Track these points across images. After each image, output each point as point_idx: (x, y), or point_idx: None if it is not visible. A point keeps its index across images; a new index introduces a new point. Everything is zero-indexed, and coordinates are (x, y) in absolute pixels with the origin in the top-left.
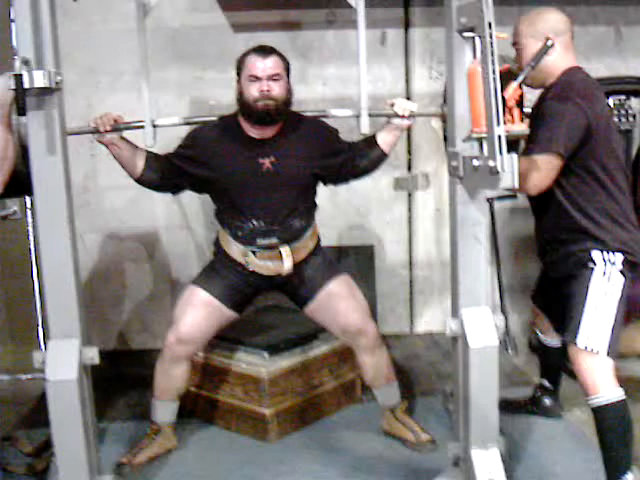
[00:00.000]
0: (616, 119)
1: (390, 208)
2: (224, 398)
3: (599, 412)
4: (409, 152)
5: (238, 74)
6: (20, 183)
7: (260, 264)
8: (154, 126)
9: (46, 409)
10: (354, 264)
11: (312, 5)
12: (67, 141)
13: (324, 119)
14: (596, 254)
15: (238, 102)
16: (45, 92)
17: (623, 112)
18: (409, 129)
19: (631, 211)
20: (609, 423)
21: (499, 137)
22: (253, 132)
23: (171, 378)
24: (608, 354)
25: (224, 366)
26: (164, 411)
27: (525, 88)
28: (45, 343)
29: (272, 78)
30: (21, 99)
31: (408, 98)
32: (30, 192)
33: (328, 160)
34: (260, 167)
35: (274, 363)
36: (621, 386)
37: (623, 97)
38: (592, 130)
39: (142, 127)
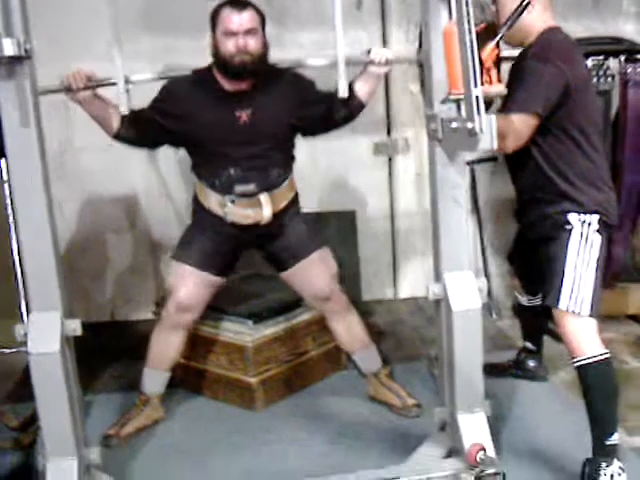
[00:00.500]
0: (595, 80)
1: (371, 173)
2: (210, 368)
3: (584, 372)
4: (388, 117)
5: (212, 29)
6: None
7: (239, 213)
8: (127, 83)
9: (31, 383)
10: (336, 230)
11: None
12: (40, 107)
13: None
14: (572, 216)
15: (213, 57)
16: (15, 61)
17: (602, 73)
18: (387, 93)
19: (607, 172)
20: (595, 383)
21: (477, 98)
22: (229, 85)
23: (168, 346)
24: (591, 315)
25: (209, 336)
26: (155, 381)
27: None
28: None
29: (248, 33)
30: None
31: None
32: (3, 154)
33: (305, 110)
34: (237, 120)
35: (258, 331)
36: (608, 347)
37: (601, 58)
38: (571, 91)
39: (115, 84)
